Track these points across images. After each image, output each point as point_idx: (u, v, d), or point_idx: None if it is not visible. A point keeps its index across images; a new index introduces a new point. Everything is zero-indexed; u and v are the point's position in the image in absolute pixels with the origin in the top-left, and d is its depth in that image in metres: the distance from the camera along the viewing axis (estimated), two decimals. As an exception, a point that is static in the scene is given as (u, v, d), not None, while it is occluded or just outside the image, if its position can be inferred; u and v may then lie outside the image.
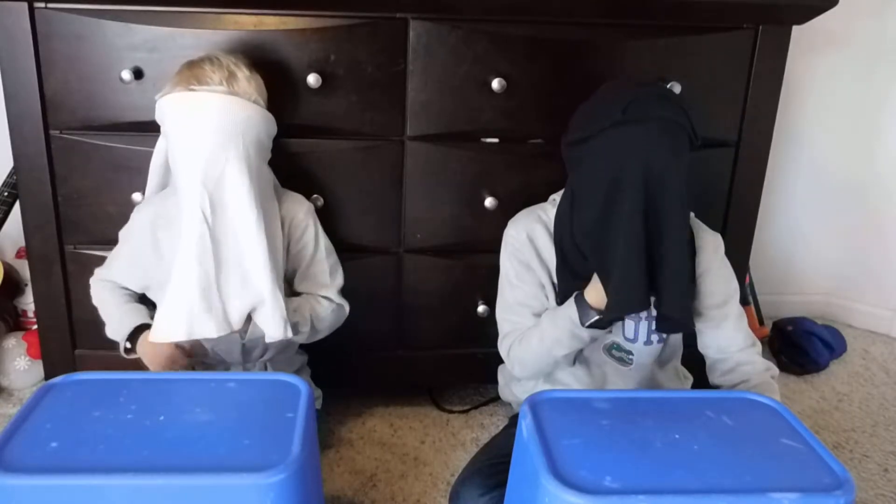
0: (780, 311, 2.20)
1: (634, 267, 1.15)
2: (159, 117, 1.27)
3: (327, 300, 1.40)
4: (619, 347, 1.32)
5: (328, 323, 1.40)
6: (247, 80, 1.28)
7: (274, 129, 1.33)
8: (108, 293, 1.40)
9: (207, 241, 1.22)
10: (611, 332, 1.31)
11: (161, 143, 1.33)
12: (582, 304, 1.23)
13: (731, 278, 1.33)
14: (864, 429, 1.75)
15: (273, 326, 1.26)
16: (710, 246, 1.31)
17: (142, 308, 1.39)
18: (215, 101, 1.23)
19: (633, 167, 1.14)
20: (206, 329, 1.23)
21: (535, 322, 1.32)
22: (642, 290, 1.16)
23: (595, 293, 1.22)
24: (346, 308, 1.43)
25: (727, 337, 1.31)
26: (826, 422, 1.77)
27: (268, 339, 1.28)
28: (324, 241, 1.41)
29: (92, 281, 1.42)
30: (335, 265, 1.42)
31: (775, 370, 1.31)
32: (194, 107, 1.23)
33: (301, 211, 1.38)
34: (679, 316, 1.20)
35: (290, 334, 1.28)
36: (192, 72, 1.26)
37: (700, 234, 1.30)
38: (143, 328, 1.34)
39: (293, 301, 1.35)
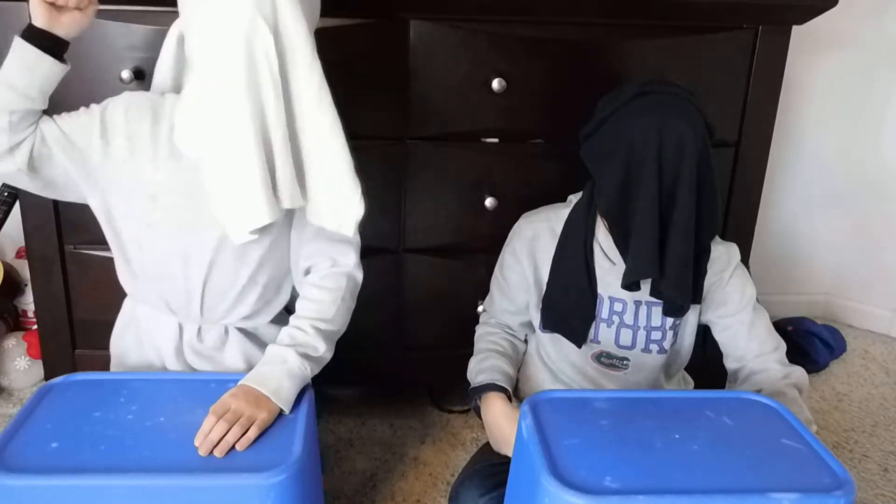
0: (780, 311, 2.20)
1: (648, 235, 1.14)
2: None
3: (337, 274, 1.20)
4: (609, 356, 1.31)
5: (347, 308, 1.22)
6: None
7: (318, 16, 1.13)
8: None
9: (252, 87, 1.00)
10: (599, 342, 1.30)
11: (174, 28, 1.14)
12: (478, 409, 1.28)
13: (745, 286, 1.28)
14: (864, 429, 1.75)
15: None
16: (723, 258, 1.27)
17: None
18: None
19: (649, 129, 1.12)
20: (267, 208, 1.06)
21: (507, 308, 1.37)
22: (653, 257, 1.14)
23: (493, 439, 1.25)
24: (360, 277, 1.23)
25: (741, 346, 1.28)
26: (826, 422, 1.77)
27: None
28: None
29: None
30: None
31: (796, 377, 1.23)
32: None
33: None
34: (676, 295, 1.18)
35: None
36: None
37: (714, 246, 1.27)
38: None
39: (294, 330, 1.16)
